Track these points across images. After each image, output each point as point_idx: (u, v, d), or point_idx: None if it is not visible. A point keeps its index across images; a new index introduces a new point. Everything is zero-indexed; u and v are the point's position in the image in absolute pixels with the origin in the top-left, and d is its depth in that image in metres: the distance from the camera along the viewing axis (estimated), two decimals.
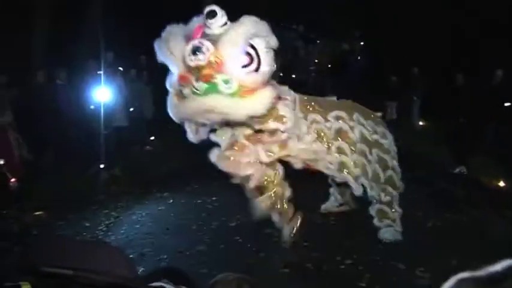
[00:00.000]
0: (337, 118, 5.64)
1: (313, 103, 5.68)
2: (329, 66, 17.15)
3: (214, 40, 4.37)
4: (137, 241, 6.19)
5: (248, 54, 4.40)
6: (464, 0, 14.17)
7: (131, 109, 10.53)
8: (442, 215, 6.95)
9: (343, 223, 6.62)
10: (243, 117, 4.61)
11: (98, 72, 9.40)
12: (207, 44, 4.31)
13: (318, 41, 23.77)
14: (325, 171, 5.67)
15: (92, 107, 8.85)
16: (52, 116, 8.95)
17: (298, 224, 5.72)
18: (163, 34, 4.71)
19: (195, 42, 4.35)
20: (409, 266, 5.41)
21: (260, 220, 6.39)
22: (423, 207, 7.26)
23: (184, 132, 5.69)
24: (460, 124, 9.65)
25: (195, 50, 4.31)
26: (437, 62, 14.45)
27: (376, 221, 6.10)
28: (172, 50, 4.57)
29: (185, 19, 4.98)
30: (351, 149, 5.61)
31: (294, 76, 15.49)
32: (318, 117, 5.54)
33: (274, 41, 4.57)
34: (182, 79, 4.55)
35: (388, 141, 6.06)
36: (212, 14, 4.41)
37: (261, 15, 4.58)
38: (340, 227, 6.51)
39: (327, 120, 5.58)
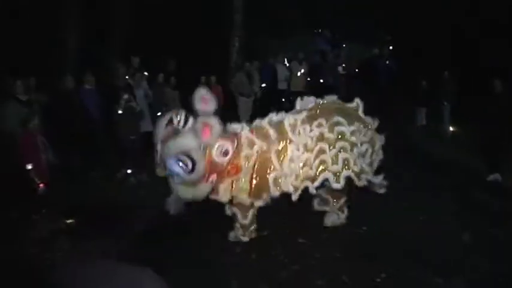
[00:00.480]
0: (318, 126, 6.22)
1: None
2: (356, 70, 16.94)
3: None
4: (164, 251, 6.05)
5: (182, 161, 5.52)
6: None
7: (158, 114, 10.45)
8: (476, 224, 6.76)
9: (376, 234, 6.43)
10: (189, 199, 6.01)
11: (126, 77, 9.37)
12: (158, 148, 5.82)
13: (344, 45, 23.63)
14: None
15: (119, 111, 8.79)
16: (80, 120, 8.92)
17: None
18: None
19: None
20: (446, 279, 5.25)
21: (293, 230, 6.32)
22: (454, 216, 7.12)
23: None
24: (493, 130, 9.34)
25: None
26: (468, 66, 14.18)
27: (317, 205, 6.98)
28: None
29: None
30: (329, 148, 6.15)
31: (321, 81, 15.29)
32: (307, 128, 6.20)
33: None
34: None
35: (365, 147, 6.49)
36: (169, 120, 5.81)
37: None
38: (373, 239, 6.32)
39: (311, 130, 6.21)
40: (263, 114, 6.64)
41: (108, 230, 6.72)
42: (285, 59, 15.78)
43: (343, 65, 16.69)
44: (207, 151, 5.71)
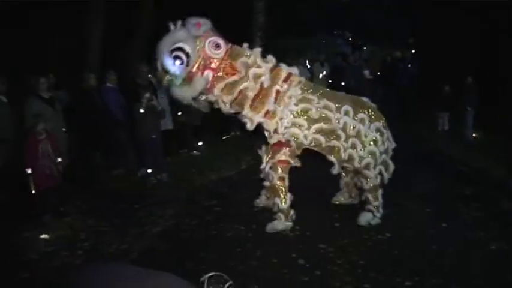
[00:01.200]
0: (325, 107, 6.50)
1: (316, 89, 6.76)
2: (378, 73, 16.79)
3: None
4: (183, 253, 6.00)
5: (176, 56, 5.90)
6: None
7: (179, 113, 10.42)
8: (501, 232, 6.56)
9: (399, 241, 6.33)
10: (191, 99, 6.19)
11: (149, 76, 9.34)
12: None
13: (365, 48, 23.54)
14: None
15: (141, 110, 8.76)
16: (101, 118, 8.90)
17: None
18: None
19: None
20: None
21: (315, 235, 6.24)
22: (478, 223, 6.95)
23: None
24: None
25: None
26: (493, 71, 13.97)
27: (343, 199, 7.58)
28: None
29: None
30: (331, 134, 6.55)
31: (343, 83, 15.18)
32: (314, 98, 6.51)
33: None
34: None
35: (372, 135, 6.71)
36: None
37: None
38: (396, 245, 6.20)
39: (317, 103, 6.48)
40: None
41: (128, 229, 6.71)
42: (306, 61, 15.71)
43: (369, 70, 16.47)
44: (200, 44, 6.05)
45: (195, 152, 10.86)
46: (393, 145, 6.98)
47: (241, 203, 7.45)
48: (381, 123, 6.83)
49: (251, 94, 6.33)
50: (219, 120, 9.76)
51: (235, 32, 14.86)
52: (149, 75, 9.37)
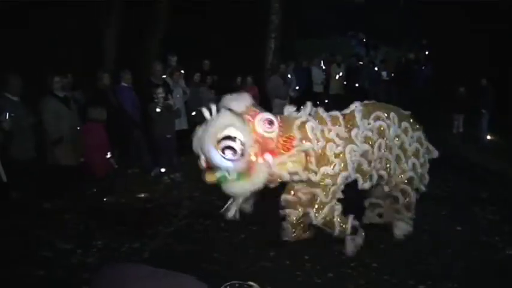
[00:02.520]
0: (377, 118, 5.91)
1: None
2: (392, 75, 16.75)
3: None
4: (196, 253, 6.00)
5: (226, 147, 4.74)
6: None
7: (193, 113, 10.44)
8: None
9: (413, 243, 6.29)
10: (250, 192, 5.20)
11: (163, 76, 9.36)
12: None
13: (380, 50, 23.47)
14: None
15: (158, 110, 8.77)
16: (116, 117, 8.94)
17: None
18: None
19: None
20: None
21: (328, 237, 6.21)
22: (493, 227, 6.93)
23: None
24: None
25: None
26: (508, 73, 13.86)
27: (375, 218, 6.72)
28: None
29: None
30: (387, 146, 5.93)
31: (357, 85, 15.16)
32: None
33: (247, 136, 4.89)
34: None
35: (415, 146, 6.20)
36: None
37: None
38: (410, 248, 6.18)
39: (368, 124, 5.84)
40: None
41: (141, 229, 6.72)
42: (321, 62, 15.69)
43: (386, 71, 16.40)
44: (250, 126, 4.99)
45: None
46: (435, 154, 6.61)
47: (255, 204, 7.42)
48: (421, 133, 6.38)
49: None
50: None
51: (250, 34, 14.94)
52: (163, 75, 9.39)
